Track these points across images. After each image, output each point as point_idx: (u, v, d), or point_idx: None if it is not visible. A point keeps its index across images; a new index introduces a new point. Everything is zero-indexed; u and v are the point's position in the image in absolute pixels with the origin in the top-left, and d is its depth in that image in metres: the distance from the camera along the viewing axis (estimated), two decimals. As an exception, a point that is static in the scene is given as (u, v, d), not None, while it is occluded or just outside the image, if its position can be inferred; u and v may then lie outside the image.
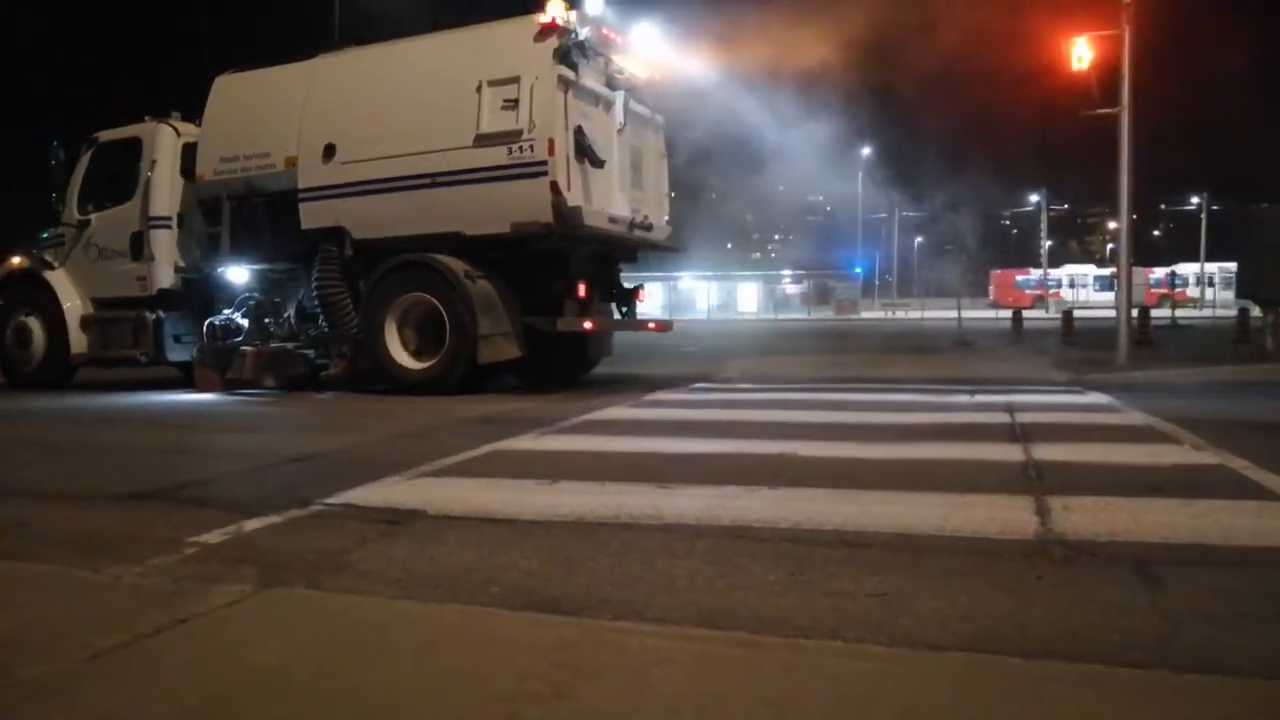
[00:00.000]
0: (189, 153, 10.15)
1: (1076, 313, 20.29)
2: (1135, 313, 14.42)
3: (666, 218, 10.55)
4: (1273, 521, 3.23)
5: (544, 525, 3.30)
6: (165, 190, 10.20)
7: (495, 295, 8.54)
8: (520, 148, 8.27)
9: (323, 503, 3.70)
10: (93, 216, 10.47)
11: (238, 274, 9.84)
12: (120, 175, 10.40)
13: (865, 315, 51.23)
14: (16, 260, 11.04)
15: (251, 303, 9.76)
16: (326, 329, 9.35)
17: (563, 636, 2.16)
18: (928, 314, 42.43)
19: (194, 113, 10.37)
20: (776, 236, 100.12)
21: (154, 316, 10.14)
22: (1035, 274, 59.78)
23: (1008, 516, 3.27)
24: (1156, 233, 79.79)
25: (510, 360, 8.60)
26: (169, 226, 10.19)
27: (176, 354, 10.33)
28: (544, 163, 8.19)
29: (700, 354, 15.63)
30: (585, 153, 8.60)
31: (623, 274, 10.52)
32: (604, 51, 9.12)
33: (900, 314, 49.29)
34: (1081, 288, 56.50)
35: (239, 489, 4.13)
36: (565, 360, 9.91)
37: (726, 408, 7.35)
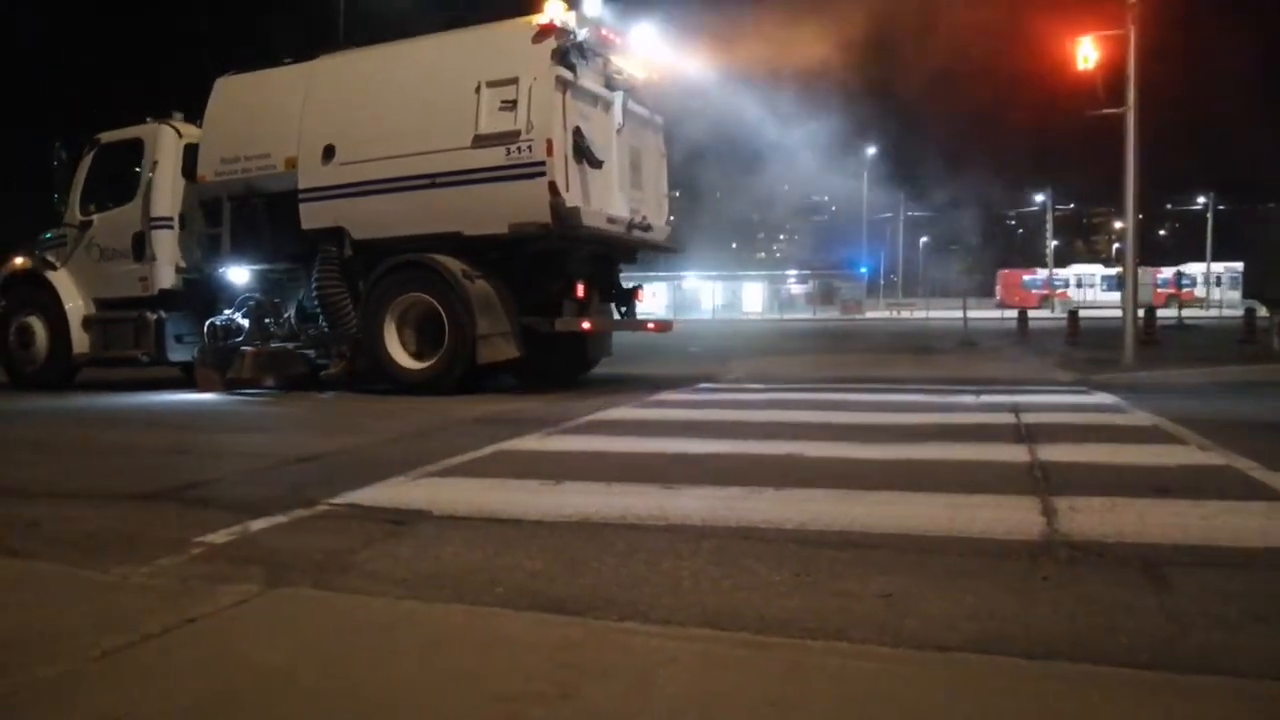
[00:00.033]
0: (190, 153, 10.18)
1: (1084, 313, 20.29)
2: (1141, 313, 14.40)
3: (668, 218, 10.55)
4: (1280, 522, 3.22)
5: (549, 525, 3.30)
6: (167, 191, 10.22)
7: (494, 295, 8.56)
8: (518, 148, 8.28)
9: (328, 503, 3.71)
10: (95, 217, 10.51)
11: (238, 274, 9.86)
12: (122, 176, 10.45)
13: (870, 315, 51.18)
14: (19, 261, 11.08)
15: (252, 303, 9.79)
16: (326, 329, 9.38)
17: (568, 637, 2.16)
18: (933, 314, 42.40)
19: (195, 113, 10.40)
20: (781, 236, 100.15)
21: (155, 317, 10.17)
22: (1042, 274, 59.65)
23: (1013, 517, 3.26)
24: (1163, 232, 79.64)
25: (509, 360, 8.61)
26: (170, 227, 10.22)
27: (178, 354, 10.36)
28: (542, 163, 8.20)
29: (704, 354, 15.63)
30: (583, 153, 8.61)
31: (625, 274, 10.52)
32: (602, 52, 9.13)
33: (905, 314, 49.23)
34: (1089, 287, 56.37)
35: (245, 489, 4.14)
36: (564, 360, 9.92)
37: (731, 408, 7.34)
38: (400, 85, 9.03)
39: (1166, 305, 35.76)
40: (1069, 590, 2.47)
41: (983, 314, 34.99)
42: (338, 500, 3.75)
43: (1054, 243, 62.49)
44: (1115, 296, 34.25)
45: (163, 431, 6.60)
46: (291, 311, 9.88)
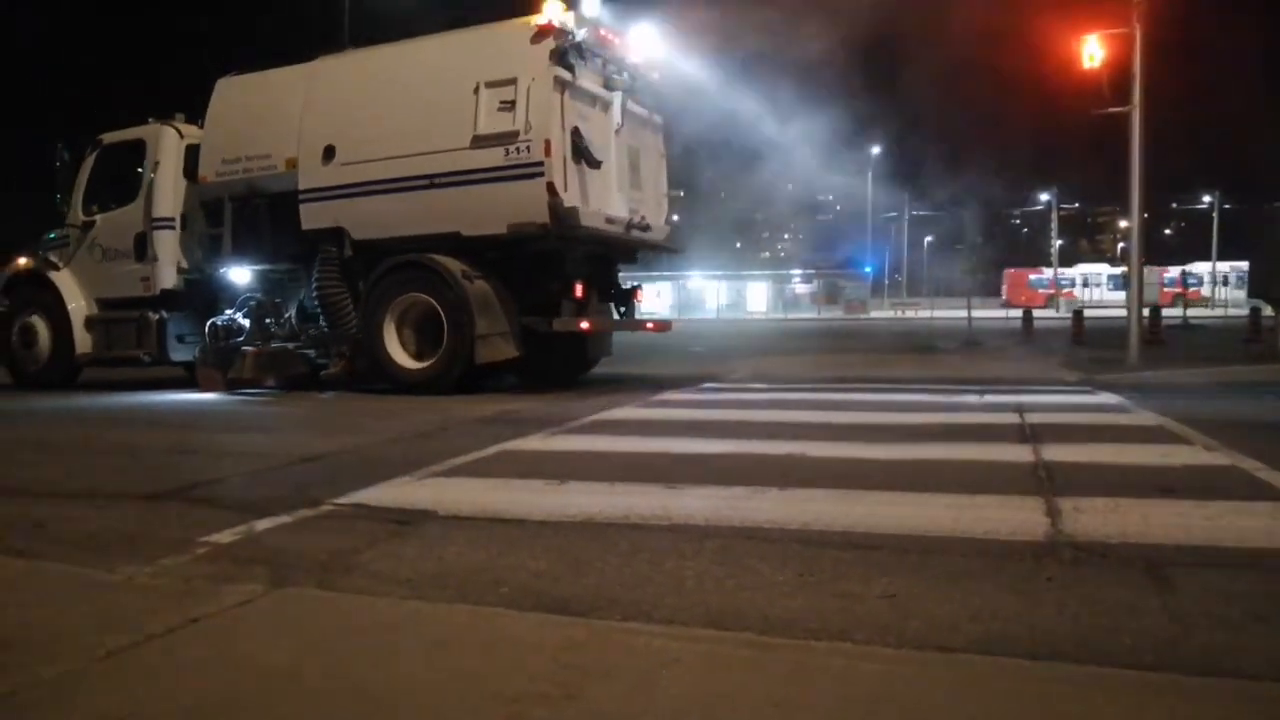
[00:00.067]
0: (192, 154, 10.20)
1: (1090, 312, 20.26)
2: (1147, 312, 14.36)
3: (669, 217, 10.54)
4: (1284, 522, 3.21)
5: (553, 526, 3.30)
6: (168, 191, 10.25)
7: (493, 295, 8.57)
8: (517, 149, 8.29)
9: (333, 503, 3.71)
10: (97, 217, 10.54)
11: (239, 274, 9.89)
12: (124, 177, 10.48)
13: (875, 315, 51.12)
14: (22, 261, 11.14)
15: (253, 303, 9.81)
16: (326, 329, 9.39)
17: (571, 637, 2.16)
18: (938, 313, 42.27)
19: (195, 114, 10.43)
20: (785, 236, 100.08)
21: (157, 317, 10.19)
22: (1048, 273, 59.54)
23: (1018, 517, 3.26)
24: (1168, 231, 79.43)
25: (508, 360, 8.62)
26: (172, 227, 10.24)
27: (179, 354, 10.39)
28: (540, 164, 8.21)
29: (708, 354, 15.63)
30: (582, 153, 8.62)
31: (627, 274, 10.52)
32: (601, 52, 9.13)
33: (910, 313, 49.14)
34: (1095, 287, 56.23)
35: (248, 489, 4.15)
36: (564, 360, 9.92)
37: (735, 408, 7.34)
38: (400, 86, 9.04)
39: (1172, 305, 35.66)
40: (1073, 591, 2.47)
41: (988, 314, 34.93)
42: (342, 500, 3.75)
43: (1059, 242, 62.45)
44: (1121, 296, 34.16)
45: (165, 431, 6.61)
46: (292, 311, 9.90)
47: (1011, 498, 3.62)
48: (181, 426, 7.00)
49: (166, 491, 4.03)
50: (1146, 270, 17.11)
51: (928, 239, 75.86)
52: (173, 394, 9.45)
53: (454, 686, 1.90)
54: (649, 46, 9.66)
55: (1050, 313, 43.08)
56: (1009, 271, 60.55)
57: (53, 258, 10.76)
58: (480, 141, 8.43)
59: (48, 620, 2.32)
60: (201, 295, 10.12)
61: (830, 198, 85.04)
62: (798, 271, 66.07)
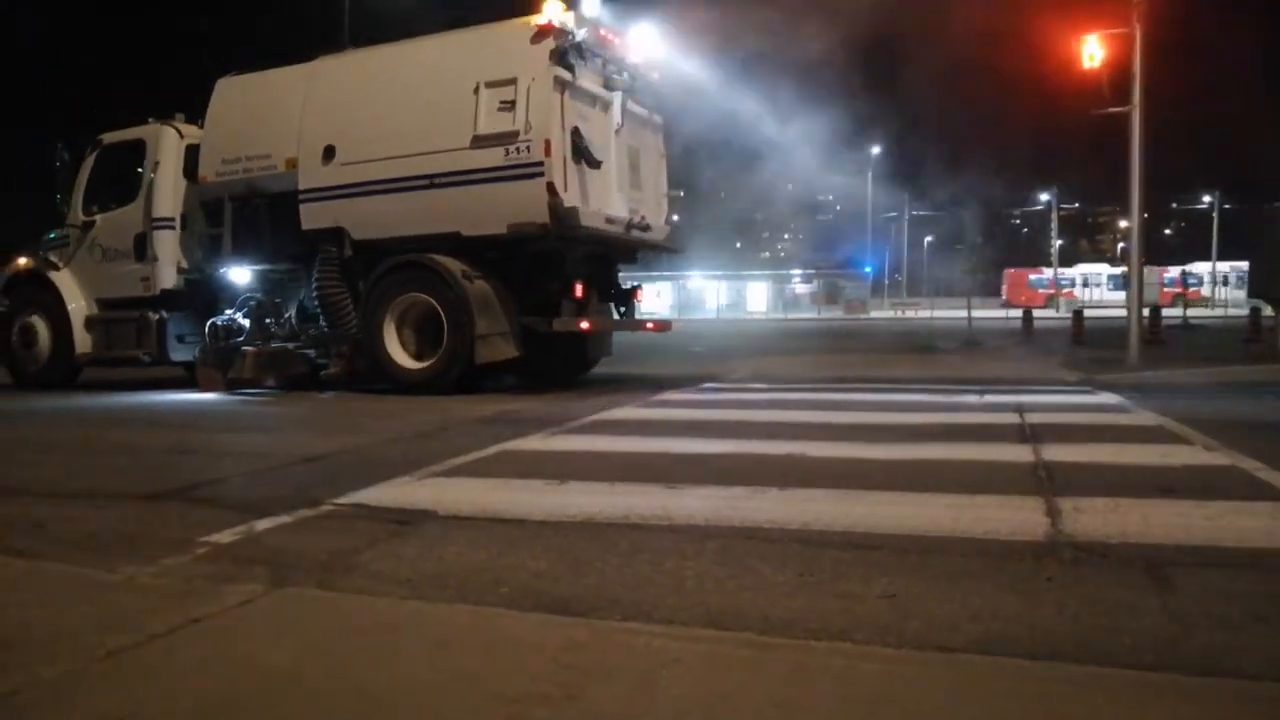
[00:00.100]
0: (192, 154, 10.20)
1: (1090, 312, 20.26)
2: (1147, 312, 14.36)
3: (669, 217, 10.54)
4: (1284, 522, 3.21)
5: (553, 526, 3.30)
6: (168, 191, 10.25)
7: (492, 295, 8.57)
8: (517, 149, 8.29)
9: (333, 503, 3.71)
10: (97, 217, 10.55)
11: (239, 274, 9.89)
12: (124, 177, 10.48)
13: (875, 315, 51.13)
14: (22, 261, 11.14)
15: (253, 303, 9.81)
16: (326, 329, 9.39)
17: (572, 637, 2.16)
18: (937, 313, 42.28)
19: (195, 114, 10.43)
20: (785, 236, 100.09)
21: (157, 317, 10.20)
22: (1048, 273, 59.53)
23: (1017, 518, 3.26)
24: (1168, 231, 79.42)
25: (507, 360, 8.63)
26: (172, 227, 10.24)
27: (179, 354, 10.40)
28: (540, 164, 8.22)
29: (708, 354, 15.63)
30: (582, 153, 8.62)
31: (628, 274, 10.52)
32: (601, 52, 9.13)
33: (910, 313, 49.14)
34: (1095, 286, 56.21)
35: (249, 489, 4.15)
36: (564, 360, 9.93)
37: (735, 408, 7.34)
38: (400, 86, 9.05)
39: (1173, 305, 35.64)
40: (1073, 591, 2.47)
41: (988, 314, 34.93)
42: (342, 500, 3.75)
43: (1059, 242, 62.42)
44: (1121, 296, 34.17)
45: (165, 431, 6.61)
46: (292, 311, 9.90)
47: (1011, 498, 3.62)
48: (181, 426, 7.00)
49: (167, 491, 4.03)
50: (1146, 270, 17.12)
51: (928, 239, 75.89)
52: (173, 394, 9.46)
53: (455, 687, 1.90)
54: (649, 46, 9.66)
55: (1050, 313, 43.07)
56: (1009, 271, 60.55)
57: (53, 258, 10.76)
58: (480, 141, 8.43)
59: (48, 620, 2.32)
60: (201, 295, 10.11)
61: (830, 198, 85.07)
62: (798, 271, 66.09)
